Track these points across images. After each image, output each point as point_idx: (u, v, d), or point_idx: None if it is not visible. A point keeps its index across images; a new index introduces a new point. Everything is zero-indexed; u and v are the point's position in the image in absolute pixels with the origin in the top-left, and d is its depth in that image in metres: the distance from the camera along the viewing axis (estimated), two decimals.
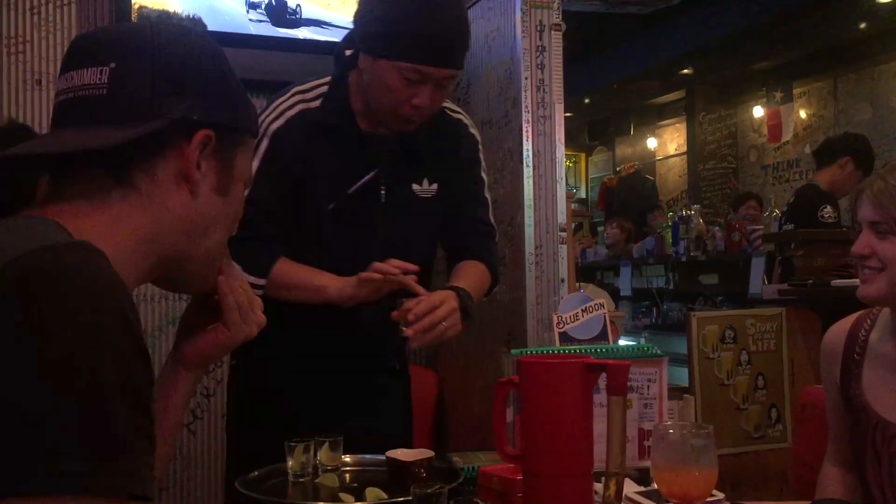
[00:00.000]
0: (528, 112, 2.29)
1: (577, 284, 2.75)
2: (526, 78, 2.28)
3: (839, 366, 1.45)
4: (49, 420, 0.64)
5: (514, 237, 2.34)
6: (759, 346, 2.56)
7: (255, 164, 1.52)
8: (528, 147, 2.29)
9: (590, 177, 10.73)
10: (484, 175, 1.76)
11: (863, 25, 6.07)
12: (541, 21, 2.30)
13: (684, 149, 8.96)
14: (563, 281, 2.30)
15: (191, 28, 0.89)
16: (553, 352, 1.40)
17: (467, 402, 2.60)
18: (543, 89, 2.30)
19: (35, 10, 2.48)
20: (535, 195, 2.29)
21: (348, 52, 1.60)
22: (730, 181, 8.31)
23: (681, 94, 8.69)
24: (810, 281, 2.61)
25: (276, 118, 1.58)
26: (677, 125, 9.13)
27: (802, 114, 7.44)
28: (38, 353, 0.65)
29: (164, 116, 0.82)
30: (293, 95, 1.60)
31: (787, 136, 7.52)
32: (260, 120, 1.52)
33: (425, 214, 1.64)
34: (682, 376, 2.62)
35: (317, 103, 1.59)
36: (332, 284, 1.54)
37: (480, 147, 1.76)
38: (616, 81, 8.03)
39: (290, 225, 1.59)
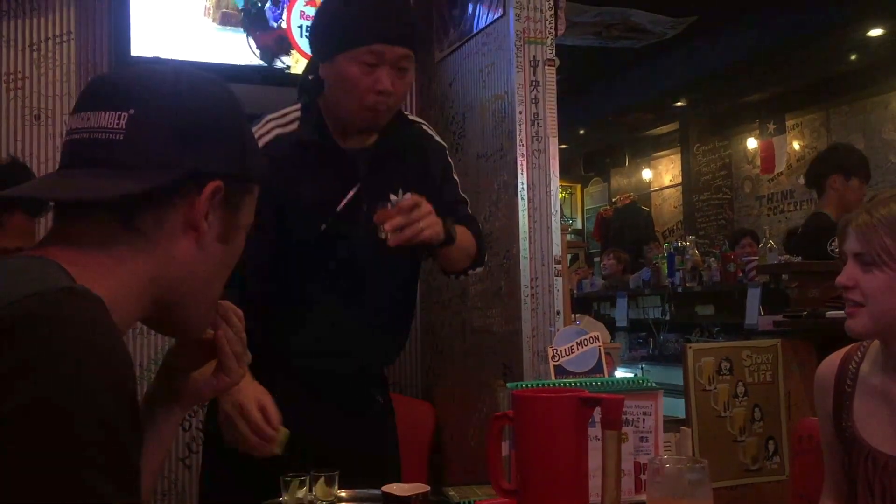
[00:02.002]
0: (523, 145, 2.31)
1: (573, 316, 2.76)
2: (520, 112, 2.31)
3: (831, 398, 1.46)
4: (16, 469, 0.62)
5: (509, 270, 2.35)
6: (756, 378, 2.56)
7: None
8: (522, 180, 2.31)
9: (585, 208, 10.77)
10: (456, 176, 1.82)
11: (853, 57, 6.14)
12: (535, 56, 2.33)
13: (679, 180, 9.01)
14: (558, 313, 2.31)
15: (211, 78, 0.89)
16: (548, 385, 1.40)
17: (463, 435, 2.59)
18: (538, 123, 2.32)
19: (34, 47, 2.52)
20: (530, 228, 2.30)
21: (311, 78, 1.66)
22: (725, 212, 8.35)
23: (675, 126, 8.76)
24: (805, 312, 2.62)
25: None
26: (672, 156, 9.19)
27: (796, 145, 7.50)
28: (14, 396, 0.63)
29: (178, 167, 0.81)
30: (268, 122, 1.63)
31: (781, 167, 7.57)
32: None
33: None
34: (678, 408, 2.61)
35: (293, 126, 1.63)
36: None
37: (447, 151, 1.81)
38: (611, 113, 8.10)
39: (279, 247, 1.60)
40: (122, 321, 0.78)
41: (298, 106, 1.66)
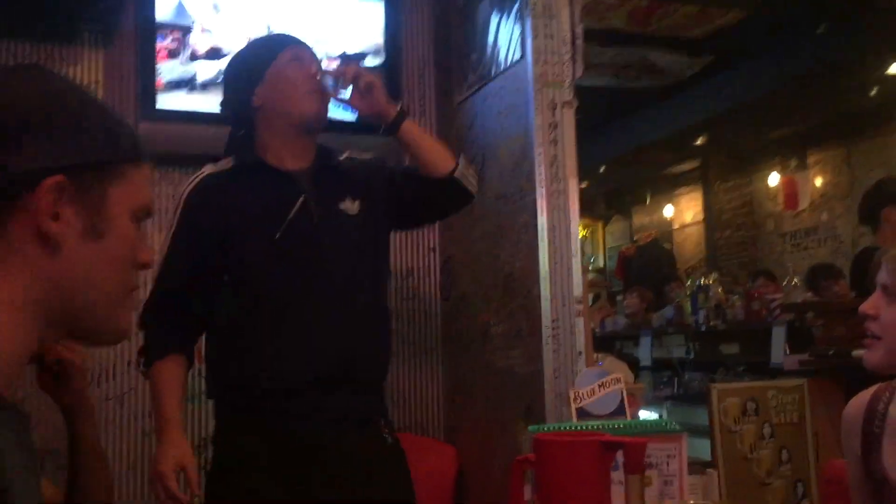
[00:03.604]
0: (542, 187, 2.32)
1: (596, 356, 2.74)
2: (539, 153, 2.33)
3: (860, 439, 1.44)
4: None
5: (530, 310, 2.35)
6: (782, 419, 2.51)
7: (172, 230, 1.75)
8: (542, 221, 2.31)
9: (607, 246, 10.74)
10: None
11: (873, 93, 6.13)
12: (553, 99, 2.35)
13: (701, 217, 8.97)
14: (580, 354, 2.30)
15: (30, 72, 0.83)
16: (570, 428, 1.40)
17: (487, 477, 2.57)
18: (557, 164, 2.34)
19: None
20: (550, 268, 2.30)
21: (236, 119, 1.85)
22: (748, 249, 8.29)
23: (696, 164, 8.74)
24: (831, 351, 2.59)
25: (188, 185, 1.79)
26: (693, 194, 9.17)
27: (818, 181, 7.46)
28: None
29: None
30: (203, 168, 1.83)
31: (804, 204, 7.52)
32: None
33: (358, 230, 1.80)
34: (704, 449, 2.57)
35: (227, 166, 1.81)
36: (167, 428, 1.71)
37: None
38: (631, 152, 8.11)
39: (229, 271, 1.74)
40: (7, 354, 0.75)
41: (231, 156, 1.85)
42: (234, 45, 2.45)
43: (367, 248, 1.81)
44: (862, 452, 1.44)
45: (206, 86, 2.59)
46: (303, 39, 1.87)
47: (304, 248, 1.73)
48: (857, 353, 2.49)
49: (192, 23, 2.59)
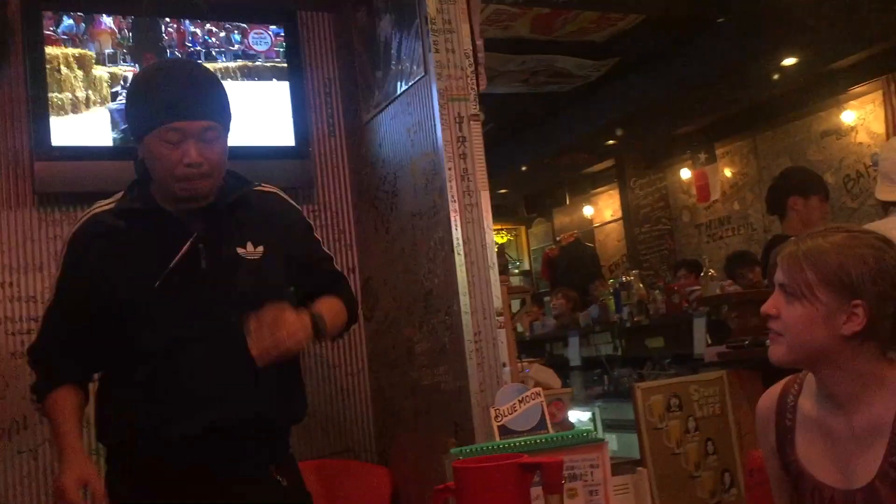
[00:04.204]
0: (455, 201, 2.32)
1: (521, 364, 2.75)
2: (449, 168, 2.33)
3: (774, 433, 1.47)
4: None
5: (452, 326, 2.34)
6: (705, 412, 2.58)
7: (57, 272, 1.69)
8: (457, 235, 2.31)
9: (531, 248, 10.86)
10: (317, 236, 1.94)
11: (773, 85, 6.36)
12: (459, 113, 2.36)
13: (619, 214, 9.16)
14: (504, 365, 2.30)
15: None
16: (492, 447, 1.39)
17: (422, 496, 2.55)
18: (468, 178, 2.34)
19: None
20: (469, 282, 2.30)
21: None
22: (666, 242, 8.49)
23: (610, 163, 8.93)
24: (746, 342, 2.66)
25: (75, 225, 1.73)
26: (611, 192, 9.35)
27: (728, 172, 7.70)
28: None
29: None
30: (93, 206, 1.75)
31: (716, 195, 7.76)
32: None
33: (255, 275, 1.71)
34: (637, 444, 2.61)
35: (112, 206, 1.72)
36: (66, 451, 1.66)
37: (303, 214, 1.91)
38: (547, 156, 8.23)
39: (115, 311, 1.67)
40: None
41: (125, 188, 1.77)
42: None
43: (268, 294, 1.69)
44: (777, 446, 1.47)
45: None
46: (201, 95, 1.67)
47: (188, 295, 1.66)
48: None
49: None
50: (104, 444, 1.75)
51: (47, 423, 1.77)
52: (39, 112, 2.45)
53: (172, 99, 1.63)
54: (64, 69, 2.50)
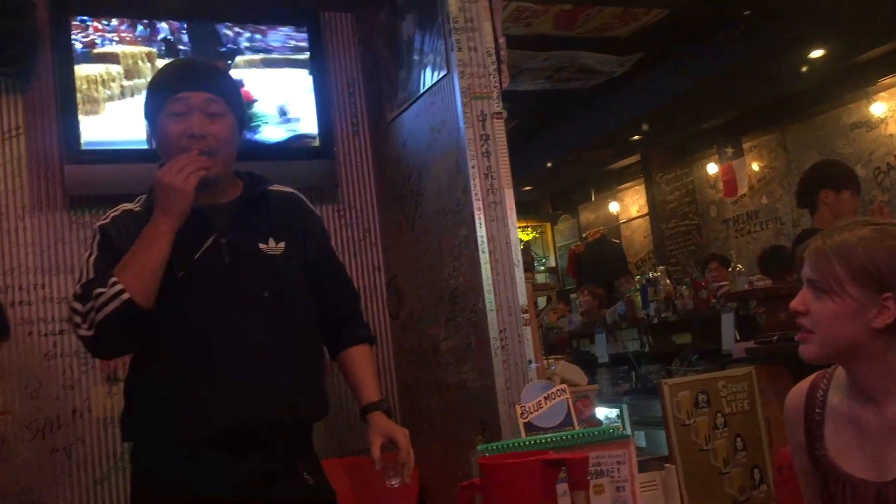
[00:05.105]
0: (479, 199, 2.33)
1: (547, 361, 2.75)
2: (473, 166, 2.33)
3: (803, 428, 1.46)
4: None
5: (477, 323, 2.35)
6: (734, 408, 2.55)
7: (93, 254, 1.68)
8: (482, 233, 2.32)
9: (557, 245, 10.83)
10: (333, 245, 1.97)
11: (801, 77, 6.28)
12: (482, 111, 2.36)
13: (646, 210, 9.10)
14: (530, 362, 2.30)
15: None
16: (518, 444, 1.40)
17: (449, 495, 2.55)
18: (491, 176, 2.34)
19: None
20: (493, 280, 2.31)
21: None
22: (693, 237, 8.43)
23: (636, 159, 8.87)
24: (775, 337, 2.63)
25: (103, 220, 1.74)
26: (636, 188, 9.30)
27: (755, 166, 7.62)
28: None
29: None
30: (120, 206, 1.78)
31: (743, 189, 7.68)
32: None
33: (277, 271, 1.73)
34: (665, 441, 2.60)
35: (138, 208, 1.76)
36: (154, 225, 1.62)
37: (321, 218, 1.95)
38: (572, 152, 8.19)
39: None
40: None
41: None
42: None
43: (290, 290, 1.74)
44: (806, 441, 1.46)
45: None
46: (200, 69, 1.76)
47: (211, 290, 1.67)
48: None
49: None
50: (131, 441, 1.77)
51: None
52: (68, 116, 2.49)
53: (176, 73, 1.75)
54: (96, 73, 2.53)
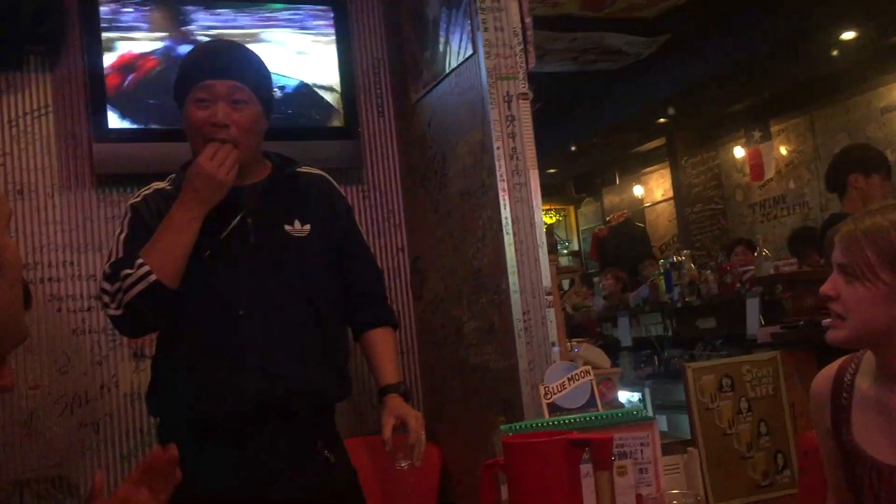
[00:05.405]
0: (504, 180, 2.31)
1: (570, 343, 2.75)
2: (498, 147, 2.32)
3: (829, 412, 1.45)
4: None
5: (500, 305, 2.34)
6: (758, 392, 2.54)
7: (124, 232, 1.71)
8: (506, 215, 2.31)
9: (580, 228, 10.79)
10: (359, 226, 2.00)
11: (831, 60, 6.18)
12: (508, 91, 2.34)
13: (671, 194, 9.03)
14: (553, 344, 2.30)
15: None
16: (541, 425, 1.40)
17: (471, 476, 2.57)
18: (516, 157, 2.33)
19: (13, 123, 2.54)
20: (517, 261, 2.30)
21: None
22: (719, 222, 8.36)
23: (661, 142, 8.80)
24: (801, 322, 2.61)
25: (135, 198, 1.78)
26: (662, 171, 9.22)
27: (783, 150, 7.53)
28: None
29: None
30: (151, 184, 1.81)
31: (770, 173, 7.59)
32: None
33: (302, 252, 1.76)
34: (687, 426, 2.59)
35: (168, 186, 1.79)
36: (185, 209, 1.65)
37: (347, 199, 1.98)
38: (597, 135, 8.14)
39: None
40: None
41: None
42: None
43: (313, 272, 1.76)
44: (832, 425, 1.45)
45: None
46: (226, 56, 1.77)
47: (236, 269, 1.69)
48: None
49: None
50: (156, 416, 1.80)
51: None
52: (97, 94, 2.51)
53: (202, 59, 1.76)
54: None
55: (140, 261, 1.61)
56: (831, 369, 1.50)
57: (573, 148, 8.52)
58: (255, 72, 1.77)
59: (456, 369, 2.65)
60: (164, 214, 1.68)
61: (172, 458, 1.23)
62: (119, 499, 1.23)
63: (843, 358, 1.49)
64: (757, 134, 7.67)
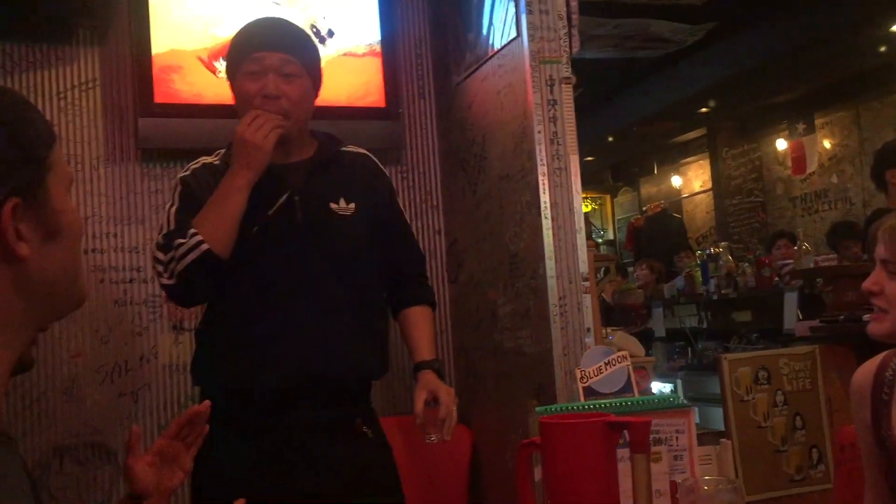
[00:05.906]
0: (544, 165, 2.31)
1: (605, 331, 2.74)
2: (539, 132, 2.31)
3: (869, 408, 1.43)
4: None
5: (537, 289, 2.34)
6: (795, 386, 2.51)
7: (175, 204, 1.72)
8: (545, 199, 2.30)
9: (616, 218, 10.71)
10: (401, 206, 2.00)
11: (880, 53, 6.05)
12: (551, 76, 2.33)
13: (709, 185, 8.92)
14: (588, 330, 2.29)
15: None
16: (577, 408, 1.40)
17: (501, 457, 2.58)
18: (557, 142, 2.32)
19: (61, 95, 2.58)
20: (555, 247, 2.29)
21: None
22: (758, 215, 8.25)
23: (702, 132, 8.69)
24: (841, 317, 2.57)
25: (184, 172, 1.80)
26: (701, 162, 9.12)
27: (826, 144, 7.40)
28: None
29: None
30: (199, 158, 1.83)
31: (812, 167, 7.47)
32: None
33: (347, 230, 1.77)
34: (720, 418, 2.58)
35: (217, 161, 1.80)
36: (231, 178, 1.67)
37: (390, 179, 1.99)
38: (636, 123, 8.06)
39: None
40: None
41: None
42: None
43: (358, 251, 1.78)
44: (872, 421, 1.43)
45: None
46: (278, 30, 1.79)
47: (283, 245, 1.71)
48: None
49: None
50: (200, 386, 1.83)
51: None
52: (143, 69, 2.54)
53: (254, 32, 1.77)
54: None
55: (192, 231, 1.64)
56: (872, 364, 1.48)
57: (611, 136, 8.45)
58: (305, 47, 1.78)
59: (490, 352, 2.65)
60: (213, 187, 1.70)
61: (206, 408, 1.33)
62: (156, 450, 1.31)
63: (886, 353, 1.47)
64: (800, 126, 7.54)
